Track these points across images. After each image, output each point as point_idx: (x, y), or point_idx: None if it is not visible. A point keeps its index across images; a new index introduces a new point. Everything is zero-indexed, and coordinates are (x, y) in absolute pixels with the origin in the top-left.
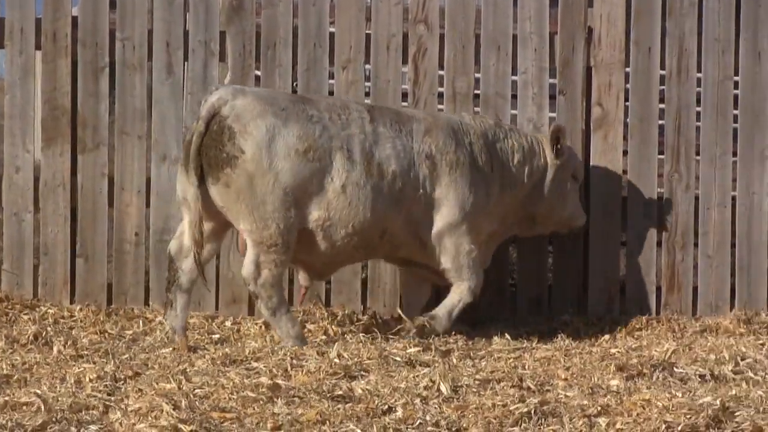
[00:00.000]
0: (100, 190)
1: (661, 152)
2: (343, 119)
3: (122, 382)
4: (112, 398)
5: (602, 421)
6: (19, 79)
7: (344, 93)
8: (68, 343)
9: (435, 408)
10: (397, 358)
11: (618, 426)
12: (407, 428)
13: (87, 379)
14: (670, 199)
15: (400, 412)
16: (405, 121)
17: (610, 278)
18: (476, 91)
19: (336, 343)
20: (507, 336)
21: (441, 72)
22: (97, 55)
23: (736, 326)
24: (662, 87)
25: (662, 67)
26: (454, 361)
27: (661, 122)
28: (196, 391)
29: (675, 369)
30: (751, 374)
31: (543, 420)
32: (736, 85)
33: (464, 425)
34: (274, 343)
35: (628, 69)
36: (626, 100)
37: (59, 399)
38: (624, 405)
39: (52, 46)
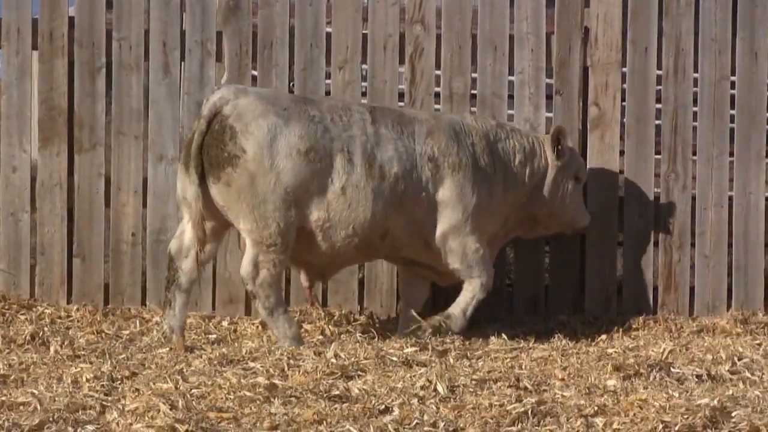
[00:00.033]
0: (96, 190)
1: (657, 152)
2: (345, 120)
3: (119, 382)
4: (109, 398)
5: (599, 421)
6: (16, 79)
7: (341, 93)
8: (65, 343)
9: (432, 408)
10: (394, 358)
11: (615, 426)
12: (404, 428)
13: (84, 379)
14: (668, 200)
15: (396, 412)
16: (407, 123)
17: (606, 278)
18: (473, 91)
19: (333, 343)
20: (504, 336)
21: (438, 72)
22: (94, 55)
23: (733, 326)
24: (659, 87)
25: (659, 67)
26: (451, 361)
27: (657, 122)
28: (193, 391)
29: (672, 369)
30: (748, 374)
31: (540, 420)
32: (732, 85)
33: (461, 425)
34: (271, 343)
35: (624, 69)
36: (623, 100)
37: (56, 399)
38: (621, 405)
39: (49, 46)
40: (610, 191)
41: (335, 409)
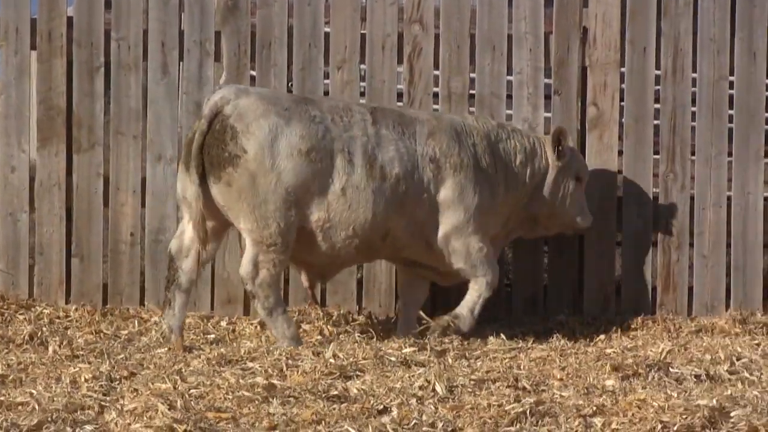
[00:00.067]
0: (95, 190)
1: (656, 152)
2: (346, 121)
3: (117, 382)
4: (108, 398)
5: (597, 421)
6: (15, 79)
7: (339, 93)
8: (64, 343)
9: (430, 408)
10: (393, 358)
11: (613, 426)
12: (402, 428)
13: (82, 379)
14: (666, 200)
15: (395, 412)
16: (408, 124)
17: (605, 278)
18: (471, 91)
19: (331, 343)
20: (502, 336)
21: (436, 72)
22: (93, 55)
23: (732, 326)
24: (657, 87)
25: (657, 67)
26: (450, 361)
27: (656, 122)
28: (192, 391)
29: (670, 369)
30: (746, 374)
31: (538, 420)
32: (731, 85)
33: (459, 425)
34: (269, 343)
35: (623, 69)
36: (621, 100)
37: (54, 399)
38: (619, 405)
39: (48, 46)
40: (608, 191)
41: (334, 409)
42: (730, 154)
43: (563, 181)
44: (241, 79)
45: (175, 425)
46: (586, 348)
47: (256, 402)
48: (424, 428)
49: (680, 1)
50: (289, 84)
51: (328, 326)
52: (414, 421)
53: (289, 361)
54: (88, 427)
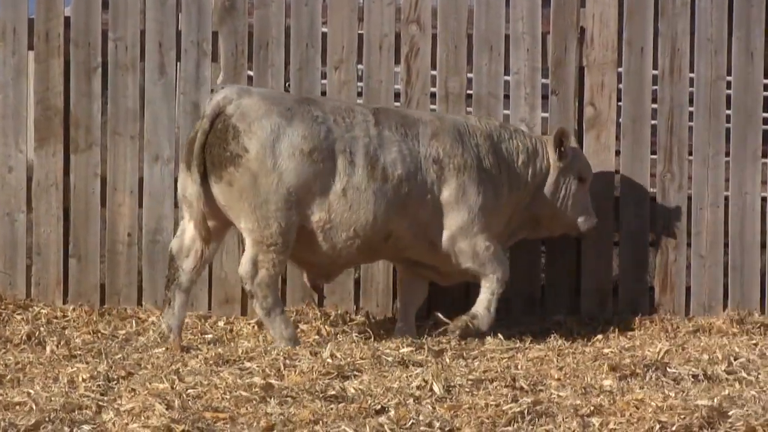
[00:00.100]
0: (92, 190)
1: (653, 152)
2: (348, 122)
3: (115, 381)
4: (105, 398)
5: (595, 420)
6: (12, 79)
7: (336, 93)
8: (61, 343)
9: (428, 408)
10: (390, 358)
11: (611, 426)
12: (400, 428)
13: (80, 379)
14: (664, 200)
15: (392, 412)
16: (411, 125)
17: (603, 278)
18: (469, 91)
19: (329, 343)
20: (500, 336)
21: (433, 72)
22: (90, 55)
23: (729, 326)
24: (655, 87)
25: (655, 67)
26: (447, 361)
27: (653, 122)
28: (189, 391)
29: (668, 369)
30: (744, 374)
31: (536, 420)
32: (728, 85)
33: (457, 425)
34: (267, 343)
35: (620, 69)
36: (619, 100)
37: (52, 399)
38: (617, 405)
39: (45, 46)
40: (605, 191)
41: (331, 409)
42: (727, 154)
43: (565, 181)
44: (238, 79)
45: (172, 425)
46: (583, 348)
47: (254, 402)
48: (421, 428)
49: (677, 2)
50: (287, 84)
51: (326, 326)
52: (411, 421)
53: (287, 361)
54: (86, 427)
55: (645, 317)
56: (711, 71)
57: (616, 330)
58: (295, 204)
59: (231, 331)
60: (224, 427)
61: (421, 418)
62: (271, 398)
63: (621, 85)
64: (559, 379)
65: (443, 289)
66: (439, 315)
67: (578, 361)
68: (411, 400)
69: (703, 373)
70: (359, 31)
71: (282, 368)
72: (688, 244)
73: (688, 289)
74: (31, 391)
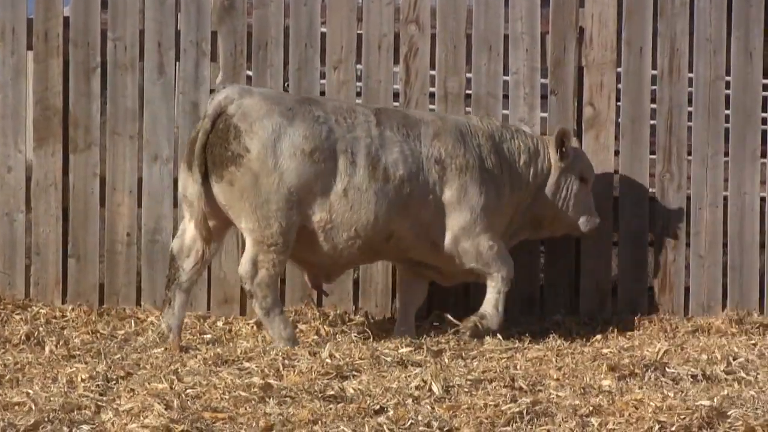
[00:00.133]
0: (91, 190)
1: (652, 152)
2: (349, 122)
3: (114, 382)
4: (104, 398)
5: (594, 421)
6: (11, 79)
7: (335, 93)
8: (60, 343)
9: (427, 408)
10: (389, 358)
11: (610, 426)
12: (399, 428)
13: (79, 379)
14: (663, 200)
15: (391, 412)
16: (413, 125)
17: (602, 278)
18: (468, 91)
19: (328, 343)
20: (499, 336)
21: (432, 72)
22: (89, 55)
23: (728, 326)
24: (654, 87)
25: (654, 67)
26: (446, 361)
27: (652, 122)
28: (188, 391)
29: (667, 369)
30: (743, 374)
31: (535, 420)
32: (727, 85)
33: (456, 425)
34: (266, 343)
35: (619, 69)
36: (618, 100)
37: (51, 399)
38: (616, 405)
39: (44, 46)
40: (604, 191)
41: (330, 409)
42: (726, 154)
43: (566, 182)
44: (237, 79)
45: (171, 425)
46: (582, 348)
47: (253, 402)
48: (420, 428)
49: (676, 2)
50: (285, 84)
51: (325, 326)
52: (410, 421)
53: (286, 361)
54: (85, 427)
55: (644, 317)
56: (710, 71)
57: (615, 330)
58: (296, 204)
59: (230, 331)
60: (223, 427)
61: (419, 418)
62: (270, 398)
63: (620, 85)
64: (558, 380)
65: (443, 289)
66: (449, 316)
67: (577, 361)
68: (410, 400)
69: (702, 373)
70: (358, 31)
71: (281, 368)
72: (687, 244)
73: (687, 289)
74: (30, 391)
